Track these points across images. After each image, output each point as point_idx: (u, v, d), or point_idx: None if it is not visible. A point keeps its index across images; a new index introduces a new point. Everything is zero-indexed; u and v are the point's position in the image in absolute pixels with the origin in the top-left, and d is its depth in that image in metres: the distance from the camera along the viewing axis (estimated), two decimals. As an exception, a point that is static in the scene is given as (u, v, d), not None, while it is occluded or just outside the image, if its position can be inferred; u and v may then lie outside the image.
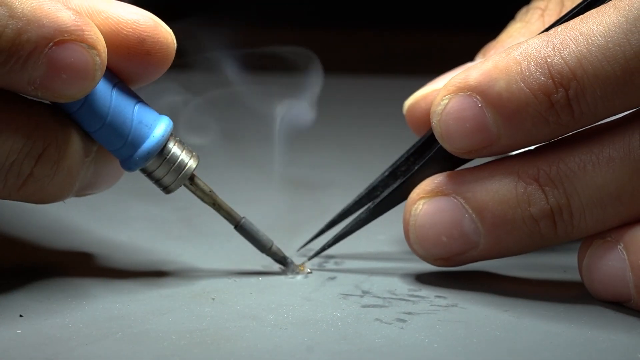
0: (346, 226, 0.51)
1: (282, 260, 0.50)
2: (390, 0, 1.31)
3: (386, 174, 0.51)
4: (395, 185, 0.49)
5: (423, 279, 0.49)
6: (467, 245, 0.47)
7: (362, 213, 0.50)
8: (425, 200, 0.47)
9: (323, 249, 0.51)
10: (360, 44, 1.25)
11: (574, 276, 0.48)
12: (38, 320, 0.43)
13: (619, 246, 0.45)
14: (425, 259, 0.48)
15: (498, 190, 0.46)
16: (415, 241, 0.48)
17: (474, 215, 0.46)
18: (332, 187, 0.68)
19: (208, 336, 0.42)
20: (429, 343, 0.42)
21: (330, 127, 0.91)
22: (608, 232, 0.45)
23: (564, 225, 0.45)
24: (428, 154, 0.48)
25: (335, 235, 0.51)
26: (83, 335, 0.42)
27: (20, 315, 0.43)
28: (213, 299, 0.46)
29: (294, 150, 0.80)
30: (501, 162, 0.47)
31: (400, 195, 0.49)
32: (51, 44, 0.43)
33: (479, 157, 0.47)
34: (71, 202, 0.58)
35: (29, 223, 0.56)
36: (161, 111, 0.47)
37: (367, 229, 0.51)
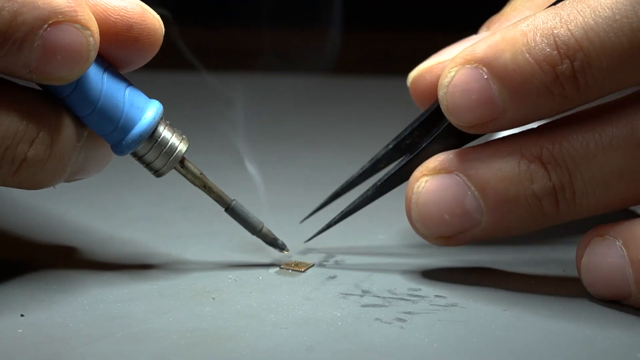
0: (352, 203, 0.50)
1: (272, 242, 0.50)
2: (390, 1, 1.31)
3: (390, 147, 0.50)
4: (402, 163, 0.49)
5: (423, 278, 0.49)
6: (469, 223, 0.47)
7: (368, 190, 0.50)
8: (428, 178, 0.47)
9: (328, 226, 0.51)
10: (360, 44, 1.25)
11: (574, 275, 0.48)
12: (39, 319, 0.43)
13: (617, 242, 0.45)
14: (427, 237, 0.48)
15: (501, 168, 0.46)
16: (417, 219, 0.47)
17: (476, 193, 0.46)
18: (332, 187, 0.68)
19: (208, 335, 0.42)
20: (429, 342, 0.42)
21: (330, 127, 0.91)
22: (606, 229, 0.45)
23: (566, 203, 0.45)
24: (435, 132, 0.48)
25: (341, 212, 0.50)
26: (84, 334, 0.42)
27: (22, 315, 0.43)
28: (213, 298, 0.46)
29: (294, 150, 0.80)
30: (504, 140, 0.47)
31: (407, 172, 0.48)
32: (46, 25, 0.43)
33: (485, 131, 0.46)
34: (71, 201, 0.58)
35: (29, 222, 0.56)
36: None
37: (367, 229, 0.51)
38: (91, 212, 0.59)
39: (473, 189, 0.46)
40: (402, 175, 0.49)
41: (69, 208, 0.59)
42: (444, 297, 0.47)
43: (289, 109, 0.97)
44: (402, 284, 0.49)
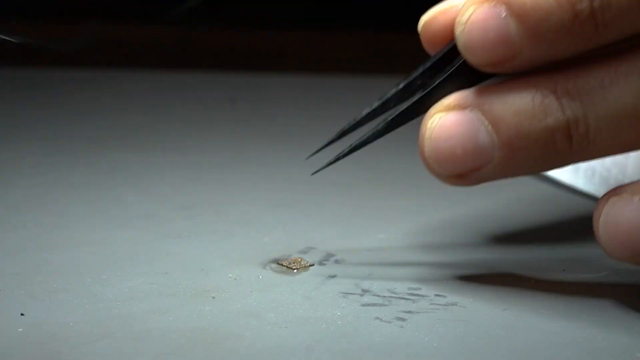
0: (361, 137, 0.49)
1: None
2: (389, 1, 1.31)
3: (401, 86, 0.49)
4: (414, 99, 0.48)
5: (423, 277, 0.49)
6: (481, 159, 0.46)
7: (379, 124, 0.49)
8: (442, 114, 0.47)
9: (337, 158, 0.50)
10: (360, 44, 1.25)
11: (574, 275, 0.48)
12: (39, 319, 0.43)
13: (635, 198, 0.44)
14: (440, 175, 0.47)
15: (514, 102, 0.46)
16: (430, 155, 0.47)
17: (489, 127, 0.46)
18: (331, 187, 0.68)
19: (208, 335, 0.42)
20: (429, 342, 0.42)
21: (330, 127, 0.91)
22: (623, 187, 0.45)
23: (580, 139, 0.45)
24: (449, 69, 0.47)
25: (350, 145, 0.50)
26: (84, 334, 0.42)
27: (22, 314, 0.44)
28: (213, 297, 0.46)
29: (294, 150, 0.80)
30: (520, 77, 0.46)
31: (418, 108, 0.48)
32: None
33: (500, 71, 0.46)
34: (70, 201, 0.58)
35: (27, 222, 0.56)
36: None
37: (367, 228, 0.51)
38: (90, 210, 0.59)
39: (487, 123, 0.46)
40: (414, 112, 0.48)
41: (68, 207, 0.59)
42: (444, 296, 0.47)
43: (289, 109, 0.97)
44: (402, 283, 0.49)
